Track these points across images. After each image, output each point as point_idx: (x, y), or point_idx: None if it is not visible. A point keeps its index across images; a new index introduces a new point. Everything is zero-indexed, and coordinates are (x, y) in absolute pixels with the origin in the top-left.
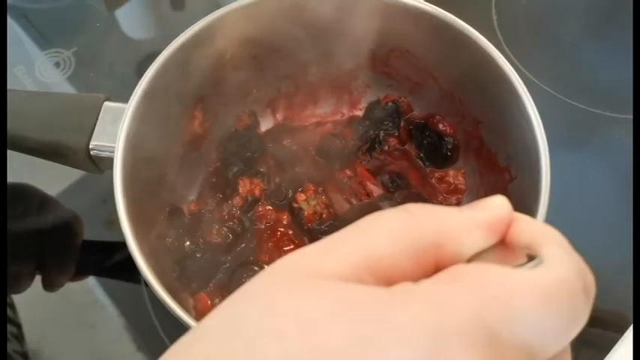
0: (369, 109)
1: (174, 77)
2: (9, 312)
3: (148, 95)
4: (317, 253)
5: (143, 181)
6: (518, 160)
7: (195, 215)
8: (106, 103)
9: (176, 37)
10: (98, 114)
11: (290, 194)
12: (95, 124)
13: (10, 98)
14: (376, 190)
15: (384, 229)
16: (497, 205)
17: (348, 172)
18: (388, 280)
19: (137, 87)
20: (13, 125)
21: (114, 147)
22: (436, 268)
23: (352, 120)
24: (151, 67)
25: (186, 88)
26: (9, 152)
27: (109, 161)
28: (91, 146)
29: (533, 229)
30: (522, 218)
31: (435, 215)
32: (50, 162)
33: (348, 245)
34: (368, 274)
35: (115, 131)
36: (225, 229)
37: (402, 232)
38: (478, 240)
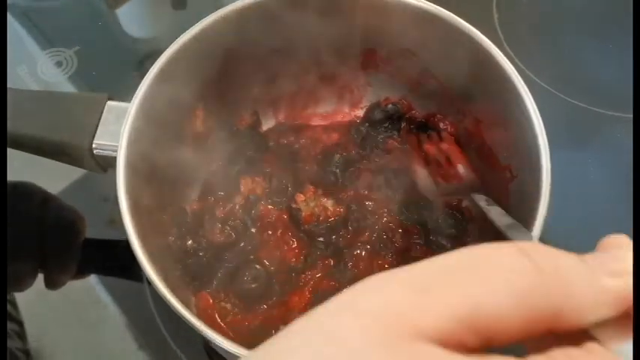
0: (369, 110)
1: (176, 76)
2: (11, 310)
3: (150, 95)
4: (414, 296)
5: (145, 180)
6: (518, 158)
7: (197, 214)
8: (109, 103)
9: (177, 35)
10: (101, 113)
11: (291, 193)
12: (98, 124)
13: (14, 97)
14: (375, 202)
15: (500, 277)
16: (628, 273)
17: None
18: (490, 337)
19: (140, 86)
20: (16, 125)
21: (117, 146)
22: (547, 332)
23: (352, 123)
24: (153, 66)
25: (188, 87)
26: (10, 151)
27: (112, 160)
28: (94, 145)
29: None
30: None
31: (562, 274)
32: (52, 160)
33: (454, 291)
34: (471, 331)
35: (117, 130)
36: (227, 227)
37: (522, 286)
38: (602, 316)
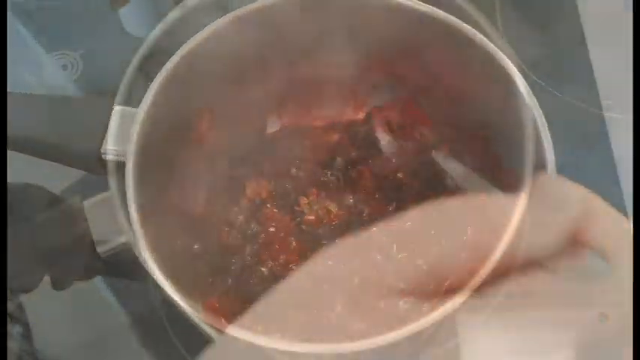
0: (370, 114)
1: (184, 81)
2: (17, 312)
3: (158, 99)
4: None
5: (153, 185)
6: (522, 161)
7: (203, 217)
8: (117, 107)
9: (180, 35)
10: (109, 117)
11: (295, 196)
12: (107, 128)
13: (20, 101)
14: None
15: None
16: (576, 201)
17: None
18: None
19: (148, 91)
20: (22, 128)
21: (125, 151)
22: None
23: (353, 125)
24: (161, 71)
25: (195, 91)
26: (11, 152)
27: (121, 165)
28: (102, 150)
29: (605, 234)
30: (600, 215)
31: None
32: (52, 162)
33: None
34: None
35: (126, 135)
36: (234, 231)
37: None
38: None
